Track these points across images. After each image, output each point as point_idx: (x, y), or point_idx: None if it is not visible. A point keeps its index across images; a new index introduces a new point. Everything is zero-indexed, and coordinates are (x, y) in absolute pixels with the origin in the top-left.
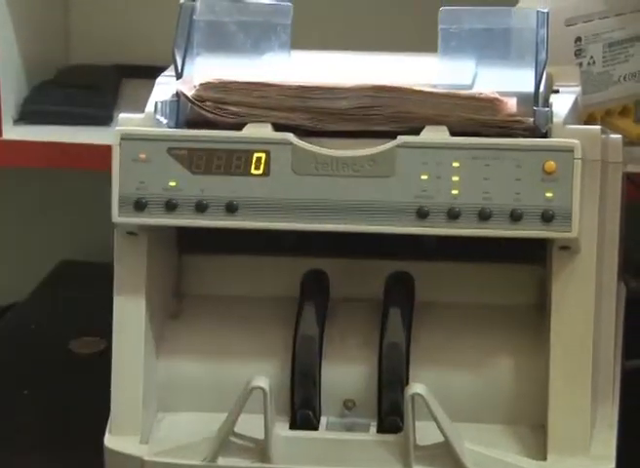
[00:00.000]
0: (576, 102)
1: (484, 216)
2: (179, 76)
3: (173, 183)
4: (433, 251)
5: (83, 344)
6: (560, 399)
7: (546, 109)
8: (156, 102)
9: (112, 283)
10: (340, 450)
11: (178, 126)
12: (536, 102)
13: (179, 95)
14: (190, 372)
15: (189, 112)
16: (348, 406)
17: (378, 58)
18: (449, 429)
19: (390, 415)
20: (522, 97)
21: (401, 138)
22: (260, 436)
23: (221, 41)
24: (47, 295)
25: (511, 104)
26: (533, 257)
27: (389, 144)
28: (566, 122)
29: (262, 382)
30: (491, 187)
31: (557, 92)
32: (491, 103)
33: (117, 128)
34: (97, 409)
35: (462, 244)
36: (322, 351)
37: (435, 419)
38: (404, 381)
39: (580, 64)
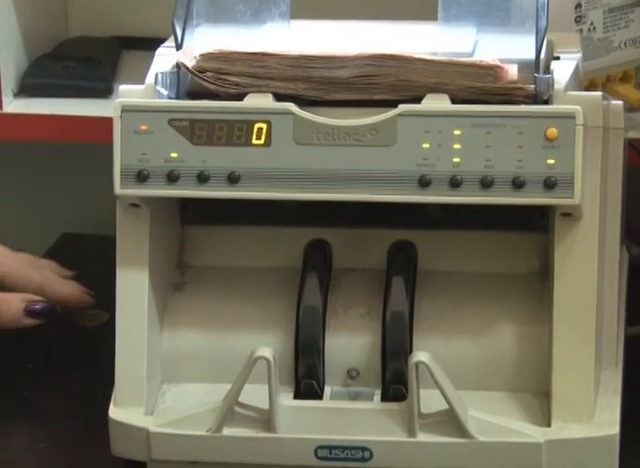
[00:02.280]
0: (576, 69)
1: (486, 184)
2: (179, 47)
3: (174, 155)
4: (436, 219)
5: (86, 317)
6: (564, 366)
7: (547, 76)
8: (156, 74)
9: (115, 255)
10: (345, 419)
11: (178, 97)
12: (537, 69)
13: (179, 66)
14: (194, 344)
15: (190, 83)
16: (352, 375)
17: (378, 27)
18: (453, 397)
19: (394, 384)
20: (523, 65)
21: (402, 107)
22: (265, 406)
23: (221, 11)
24: None
25: (512, 72)
26: (535, 225)
27: (390, 113)
28: (567, 88)
29: (267, 352)
30: (492, 155)
31: (558, 58)
32: (492, 71)
33: (118, 100)
34: (101, 382)
35: (465, 212)
36: (325, 321)
37: (439, 387)
38: (407, 350)
39: (581, 31)
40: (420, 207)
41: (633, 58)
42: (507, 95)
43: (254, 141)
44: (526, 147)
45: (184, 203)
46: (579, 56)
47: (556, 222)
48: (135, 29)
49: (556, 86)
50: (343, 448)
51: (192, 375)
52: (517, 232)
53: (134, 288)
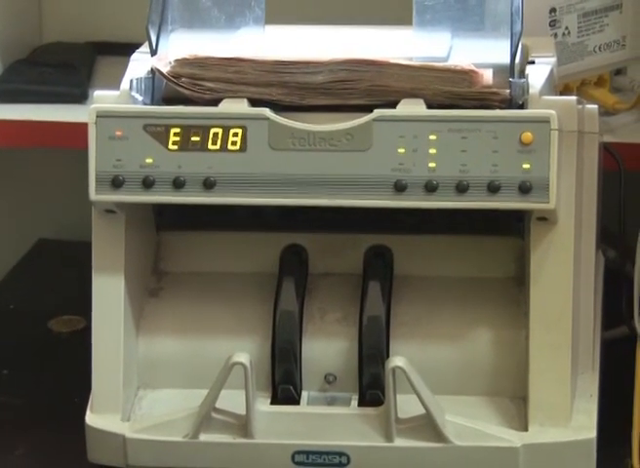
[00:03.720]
0: (551, 73)
1: (461, 189)
2: (153, 53)
3: (149, 160)
4: (412, 224)
5: (62, 323)
6: (540, 370)
7: (522, 80)
8: (131, 79)
9: (91, 261)
10: (322, 425)
11: (153, 103)
12: (511, 74)
13: (154, 71)
14: (171, 349)
15: (165, 89)
16: (329, 380)
17: (353, 32)
18: (430, 401)
19: (371, 389)
20: (498, 69)
21: (377, 112)
22: (242, 411)
23: (196, 16)
24: (25, 275)
25: (487, 76)
26: (511, 229)
27: (366, 118)
28: (542, 93)
29: (243, 358)
30: (468, 159)
31: (533, 63)
32: (466, 75)
33: (93, 105)
34: (77, 388)
35: (441, 216)
36: (302, 326)
37: (416, 392)
38: (384, 354)
39: (555, 35)
40: (396, 211)
41: (608, 63)
42: (482, 99)
43: (229, 147)
44: (501, 152)
45: (160, 209)
46: (553, 60)
47: (532, 227)
48: (110, 35)
49: (531, 90)
50: (321, 454)
51: (169, 381)
52: (493, 236)
53: (110, 294)
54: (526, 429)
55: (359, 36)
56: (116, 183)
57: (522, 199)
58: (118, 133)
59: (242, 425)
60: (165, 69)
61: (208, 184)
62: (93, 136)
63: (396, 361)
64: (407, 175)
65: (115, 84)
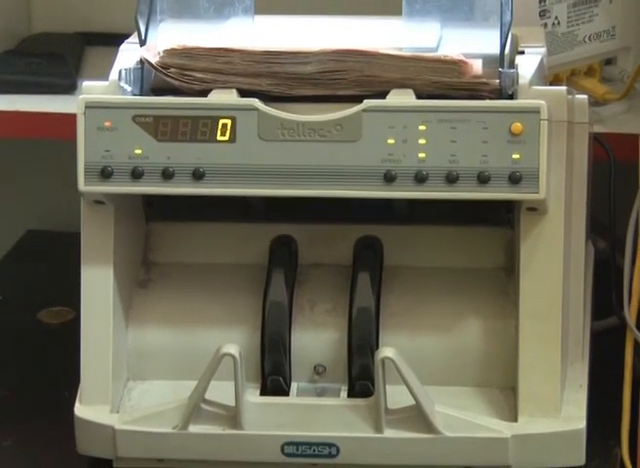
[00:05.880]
0: (541, 63)
1: (451, 179)
2: (142, 43)
3: (138, 151)
4: (402, 214)
5: (52, 314)
6: (530, 361)
7: (512, 71)
8: (120, 70)
9: (80, 252)
10: (312, 416)
11: (142, 93)
12: (501, 64)
13: (143, 62)
14: (160, 341)
15: (154, 79)
16: (319, 371)
17: (342, 22)
18: (419, 392)
19: (361, 380)
20: (487, 59)
21: (367, 102)
22: (231, 402)
23: (185, 7)
24: (14, 266)
25: (477, 66)
26: (501, 220)
27: (355, 109)
28: (532, 83)
29: (232, 349)
30: (458, 150)
31: (522, 53)
32: (456, 65)
33: (81, 96)
34: (67, 379)
35: (431, 207)
36: (291, 317)
37: (406, 383)
38: (374, 345)
39: (545, 25)
40: (386, 202)
41: (598, 53)
42: (472, 89)
43: (218, 138)
44: (491, 142)
45: (149, 199)
46: (543, 50)
47: (522, 217)
48: (98, 25)
49: (521, 80)
50: (310, 445)
51: (158, 372)
52: (483, 227)
53: (99, 285)
54: (515, 420)
55: (348, 26)
56: (105, 174)
57: (512, 189)
58: (107, 123)
59: (231, 416)
60: (154, 60)
61: (197, 175)
62: (81, 126)
63: (386, 352)
64: (397, 165)
65: (104, 74)
